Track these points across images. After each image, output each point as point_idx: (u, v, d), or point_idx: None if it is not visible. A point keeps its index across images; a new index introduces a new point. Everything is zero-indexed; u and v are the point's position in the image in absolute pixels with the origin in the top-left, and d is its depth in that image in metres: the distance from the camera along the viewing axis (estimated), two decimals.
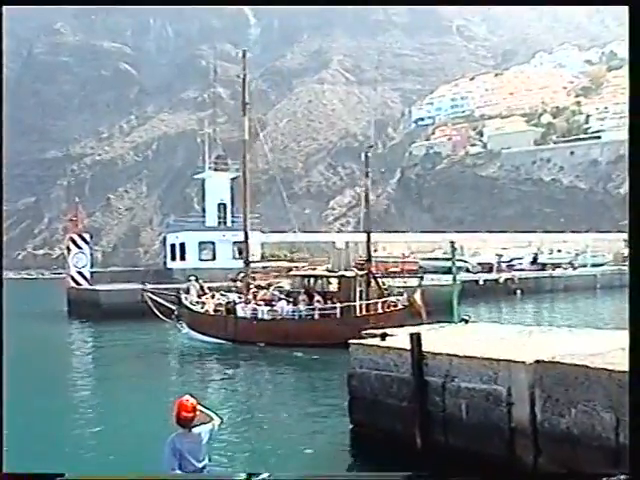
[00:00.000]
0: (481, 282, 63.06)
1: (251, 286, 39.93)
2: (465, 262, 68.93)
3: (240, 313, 36.75)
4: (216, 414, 10.07)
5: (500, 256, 74.97)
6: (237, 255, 62.52)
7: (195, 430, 9.60)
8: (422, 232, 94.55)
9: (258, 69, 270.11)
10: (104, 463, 15.17)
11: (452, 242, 27.10)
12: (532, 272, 73.74)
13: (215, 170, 65.85)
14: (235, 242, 63.11)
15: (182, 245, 64.64)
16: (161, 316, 39.89)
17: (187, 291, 41.46)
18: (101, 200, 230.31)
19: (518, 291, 65.10)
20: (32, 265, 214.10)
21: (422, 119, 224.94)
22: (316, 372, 27.74)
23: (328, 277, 36.91)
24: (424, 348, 14.53)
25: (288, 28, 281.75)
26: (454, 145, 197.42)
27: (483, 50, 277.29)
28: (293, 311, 35.44)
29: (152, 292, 41.77)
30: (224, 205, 65.91)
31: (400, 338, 16.12)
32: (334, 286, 35.87)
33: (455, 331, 18.34)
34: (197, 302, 39.91)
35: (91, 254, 62.58)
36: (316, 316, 34.92)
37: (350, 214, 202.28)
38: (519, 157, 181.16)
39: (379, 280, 36.87)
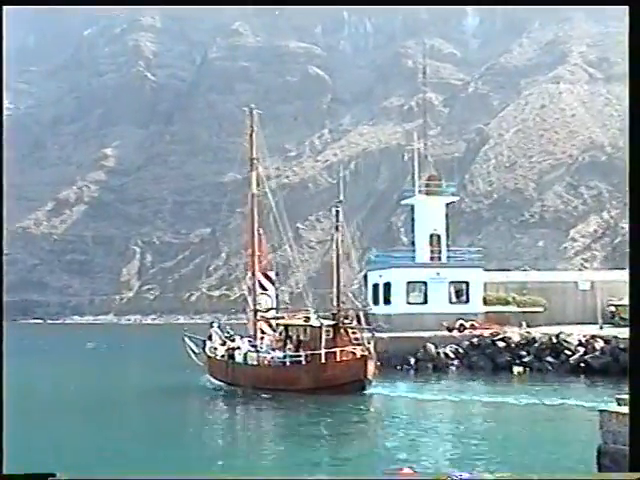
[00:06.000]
0: None
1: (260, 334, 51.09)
2: None
3: (237, 359, 47.72)
4: None
5: None
6: (454, 298, 62.36)
7: None
8: None
9: (476, 68, 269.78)
10: None
11: None
12: None
13: (427, 194, 66.04)
14: (452, 282, 63.02)
15: (387, 285, 64.93)
16: (197, 360, 51.55)
17: (210, 337, 52.31)
18: (289, 231, 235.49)
19: None
20: (206, 308, 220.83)
21: None
22: None
23: (299, 327, 46.49)
24: None
25: (514, 15, 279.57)
26: None
27: None
28: (274, 357, 45.89)
29: (189, 337, 53.00)
30: (438, 236, 65.88)
31: None
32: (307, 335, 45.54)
33: None
34: (214, 348, 50.77)
35: (277, 295, 64.18)
36: (287, 363, 44.91)
37: (596, 246, 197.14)
38: None
39: (349, 330, 45.30)
